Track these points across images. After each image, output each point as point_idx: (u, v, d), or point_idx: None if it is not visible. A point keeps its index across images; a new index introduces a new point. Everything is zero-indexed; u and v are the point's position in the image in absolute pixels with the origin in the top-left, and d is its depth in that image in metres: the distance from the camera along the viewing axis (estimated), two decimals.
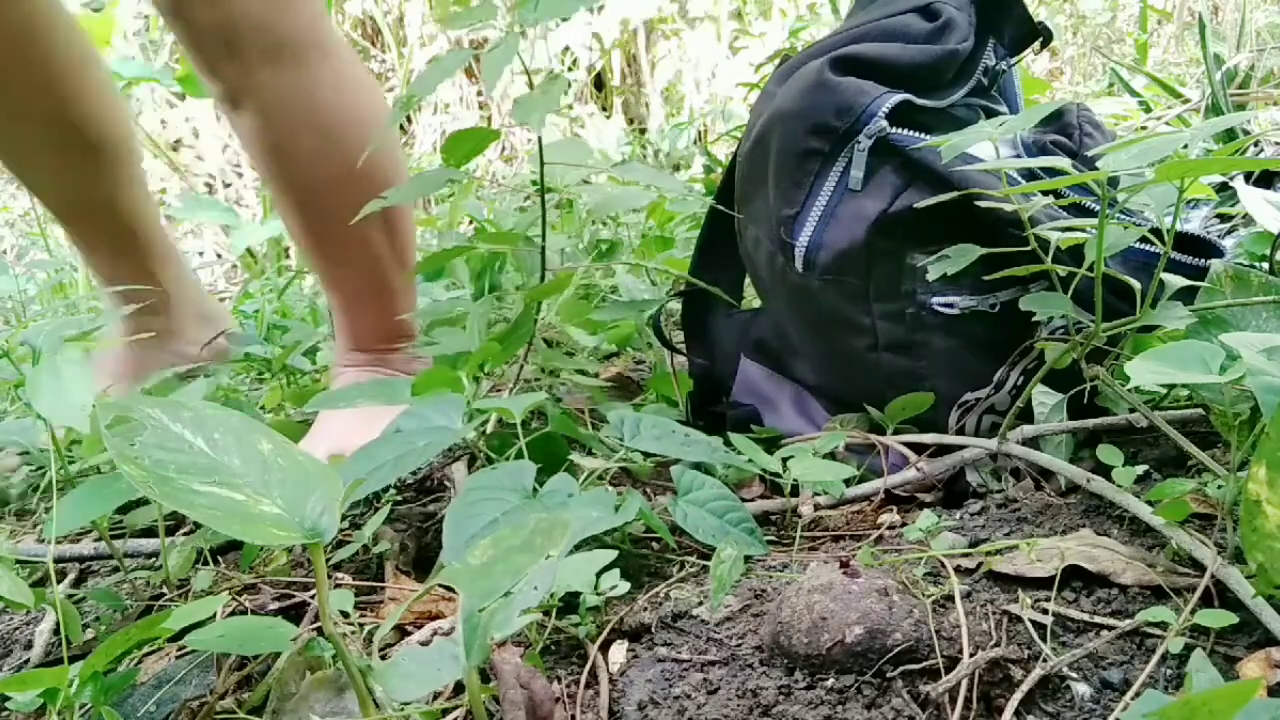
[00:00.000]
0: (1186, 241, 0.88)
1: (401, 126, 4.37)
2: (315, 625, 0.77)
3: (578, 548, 0.77)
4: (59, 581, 0.96)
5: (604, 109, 4.48)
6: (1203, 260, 0.87)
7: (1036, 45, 1.06)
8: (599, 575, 0.74)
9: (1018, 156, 0.95)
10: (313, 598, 0.82)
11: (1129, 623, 0.64)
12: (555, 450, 0.92)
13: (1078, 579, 0.70)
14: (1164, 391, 0.97)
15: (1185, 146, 0.67)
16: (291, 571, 0.90)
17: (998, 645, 0.63)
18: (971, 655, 0.61)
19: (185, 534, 1.03)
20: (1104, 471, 0.81)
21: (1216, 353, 0.67)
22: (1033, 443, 0.90)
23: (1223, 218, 1.41)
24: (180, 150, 4.04)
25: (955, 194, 0.83)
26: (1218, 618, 0.61)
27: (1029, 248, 0.77)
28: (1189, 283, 0.81)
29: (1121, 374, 0.80)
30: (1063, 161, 0.70)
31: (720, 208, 1.11)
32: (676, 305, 1.27)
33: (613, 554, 0.75)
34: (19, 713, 0.64)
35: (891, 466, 0.96)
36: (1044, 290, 0.87)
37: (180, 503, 0.50)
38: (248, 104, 1.07)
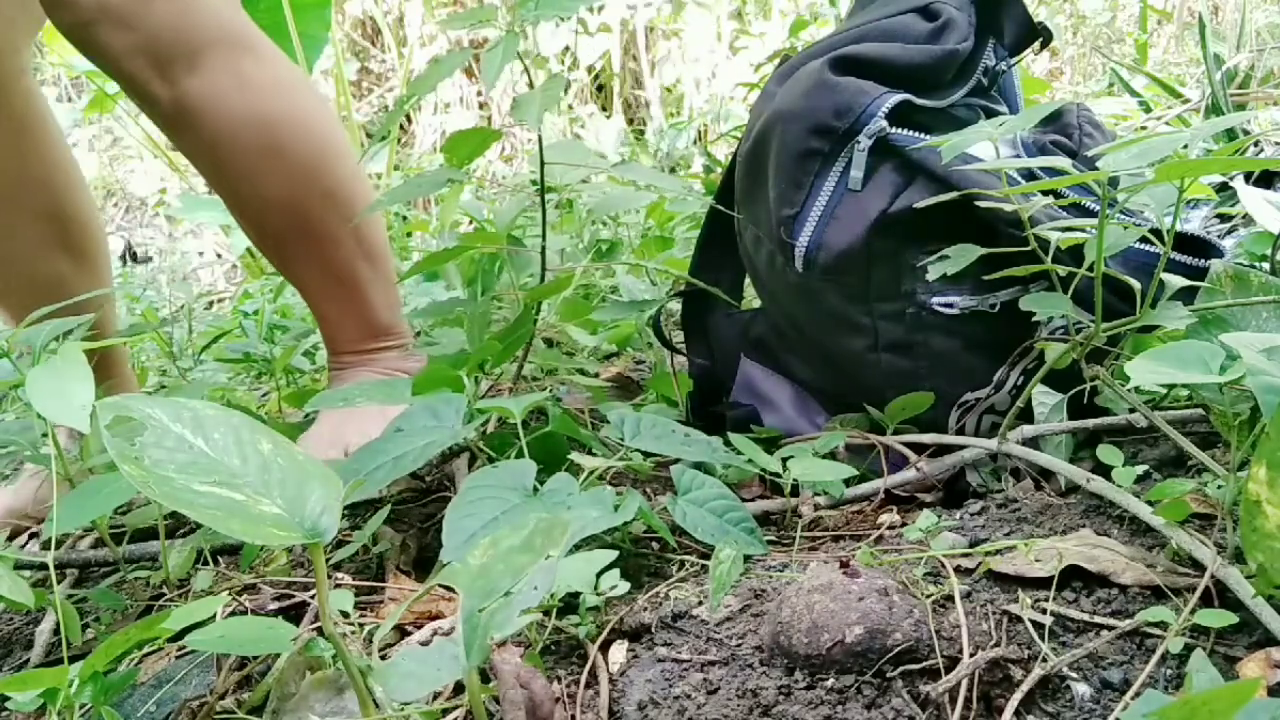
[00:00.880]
0: (1186, 242, 0.88)
1: (401, 126, 4.37)
2: (315, 625, 0.77)
3: (578, 548, 0.77)
4: (59, 582, 0.96)
5: (604, 109, 4.48)
6: (1203, 260, 0.87)
7: (1036, 45, 1.06)
8: (599, 575, 0.73)
9: (1018, 156, 0.95)
10: (313, 598, 0.82)
11: (1129, 623, 0.64)
12: (555, 450, 0.92)
13: (1078, 579, 0.70)
14: (1164, 391, 0.97)
15: (1185, 146, 0.67)
16: (291, 571, 0.90)
17: (998, 645, 0.63)
18: (971, 655, 0.61)
19: (184, 535, 1.03)
20: (1104, 471, 0.81)
21: (1216, 353, 0.67)
22: (1033, 443, 0.90)
23: (1223, 218, 1.41)
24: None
25: (955, 194, 0.83)
26: (1218, 618, 0.61)
27: (1029, 248, 0.77)
28: (1189, 283, 0.81)
29: (1121, 374, 0.80)
30: (1063, 161, 0.70)
31: (720, 208, 1.11)
32: (676, 305, 1.27)
33: (613, 554, 0.75)
34: (19, 713, 0.64)
35: (891, 466, 0.96)
36: (1044, 290, 0.87)
37: (180, 503, 0.50)
38: (185, 120, 1.07)
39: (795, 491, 0.91)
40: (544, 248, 1.02)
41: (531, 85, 0.91)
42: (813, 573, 0.67)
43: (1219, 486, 0.73)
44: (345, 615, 0.76)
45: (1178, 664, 0.61)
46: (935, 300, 0.92)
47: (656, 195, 1.69)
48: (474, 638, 0.48)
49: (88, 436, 0.94)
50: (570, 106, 4.23)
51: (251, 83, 1.08)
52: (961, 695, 0.58)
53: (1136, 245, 0.86)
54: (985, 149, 0.88)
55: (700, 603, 0.73)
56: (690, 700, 0.62)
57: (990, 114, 1.00)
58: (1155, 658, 0.61)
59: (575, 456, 0.89)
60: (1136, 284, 0.75)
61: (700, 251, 1.18)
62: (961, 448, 0.94)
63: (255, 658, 0.72)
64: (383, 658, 0.71)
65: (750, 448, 0.93)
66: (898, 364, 0.95)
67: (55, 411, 0.69)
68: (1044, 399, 0.93)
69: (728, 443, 0.93)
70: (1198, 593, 0.64)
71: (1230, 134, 1.62)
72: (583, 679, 0.66)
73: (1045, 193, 0.76)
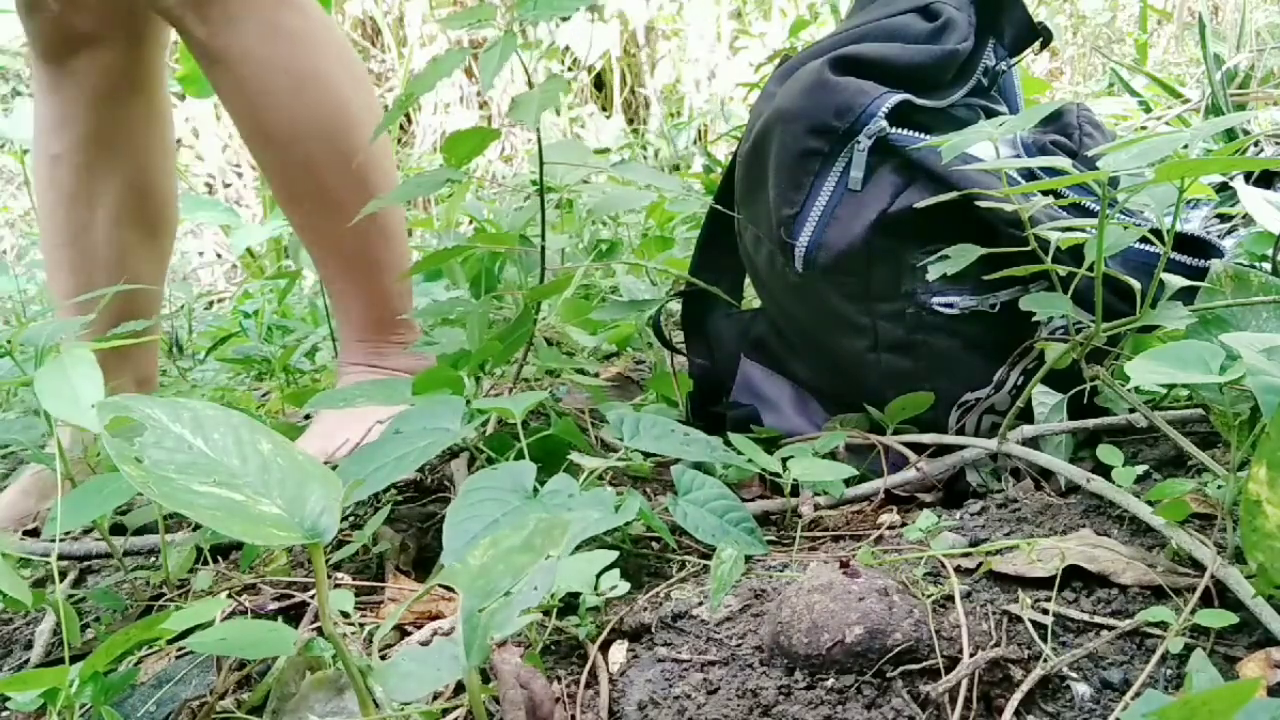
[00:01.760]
0: (1186, 242, 0.88)
1: (401, 125, 4.37)
2: (315, 625, 0.77)
3: (578, 548, 0.77)
4: (60, 579, 0.96)
5: (604, 109, 4.48)
6: (1203, 260, 0.87)
7: (1036, 45, 1.06)
8: (599, 575, 0.73)
9: (1018, 156, 0.95)
10: (313, 598, 0.82)
11: (1129, 623, 0.64)
12: (555, 450, 0.92)
13: (1078, 579, 0.70)
14: (1164, 391, 0.97)
15: (1185, 146, 0.67)
16: (291, 571, 0.89)
17: (998, 645, 0.63)
18: (971, 655, 0.61)
19: (184, 534, 1.03)
20: (1104, 471, 0.81)
21: (1216, 353, 0.67)
22: (1033, 443, 0.90)
23: (1223, 218, 1.41)
24: (180, 150, 4.04)
25: (955, 194, 0.83)
26: (1218, 618, 0.61)
27: (1029, 248, 0.77)
28: (1189, 283, 0.81)
29: (1121, 374, 0.80)
30: (1063, 161, 0.70)
31: (720, 208, 1.11)
32: (676, 305, 1.27)
33: (613, 554, 0.75)
34: (19, 713, 0.64)
35: (891, 466, 0.96)
36: (1044, 290, 0.87)
37: (180, 503, 0.50)
38: (215, 61, 1.12)
39: (795, 491, 0.91)
40: (543, 248, 1.02)
41: (531, 85, 0.91)
42: (813, 573, 0.67)
43: (1219, 486, 0.73)
44: (345, 615, 0.76)
45: (1178, 664, 0.61)
46: (935, 300, 0.92)
47: (656, 195, 1.69)
48: (474, 638, 0.48)
49: (96, 435, 0.94)
50: (570, 106, 4.23)
51: (283, 32, 1.12)
52: (961, 695, 0.58)
53: (1136, 245, 0.86)
54: (985, 149, 0.88)
55: (700, 603, 0.73)
56: (690, 700, 0.62)
57: (990, 114, 1.00)
58: (1155, 658, 0.61)
59: (575, 457, 0.89)
60: (1136, 284, 0.75)
61: (700, 251, 1.18)
62: (961, 448, 0.94)
63: (255, 658, 0.72)
64: (383, 658, 0.71)
65: (750, 448, 0.93)
66: (898, 364, 0.95)
67: (63, 410, 0.69)
68: (1044, 399, 0.93)
69: (728, 443, 0.93)
70: (1198, 593, 0.64)
71: (1230, 134, 1.62)
72: (583, 679, 0.66)
73: (1045, 193, 0.76)
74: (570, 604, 0.73)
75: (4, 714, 0.64)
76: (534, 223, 1.06)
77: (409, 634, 0.74)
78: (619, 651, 0.69)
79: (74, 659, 0.61)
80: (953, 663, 0.61)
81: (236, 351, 1.61)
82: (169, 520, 0.96)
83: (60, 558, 0.96)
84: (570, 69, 4.26)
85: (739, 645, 0.67)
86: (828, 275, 0.94)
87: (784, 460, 0.91)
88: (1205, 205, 1.41)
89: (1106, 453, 0.83)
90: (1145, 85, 2.46)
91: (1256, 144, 1.60)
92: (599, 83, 4.58)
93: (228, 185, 4.22)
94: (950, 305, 0.92)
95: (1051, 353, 0.83)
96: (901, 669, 0.60)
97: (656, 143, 3.35)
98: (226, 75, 1.12)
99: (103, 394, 0.70)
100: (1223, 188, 1.42)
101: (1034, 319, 0.90)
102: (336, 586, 0.82)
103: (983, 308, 0.92)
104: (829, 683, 0.60)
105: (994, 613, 0.67)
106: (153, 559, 0.97)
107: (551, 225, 1.17)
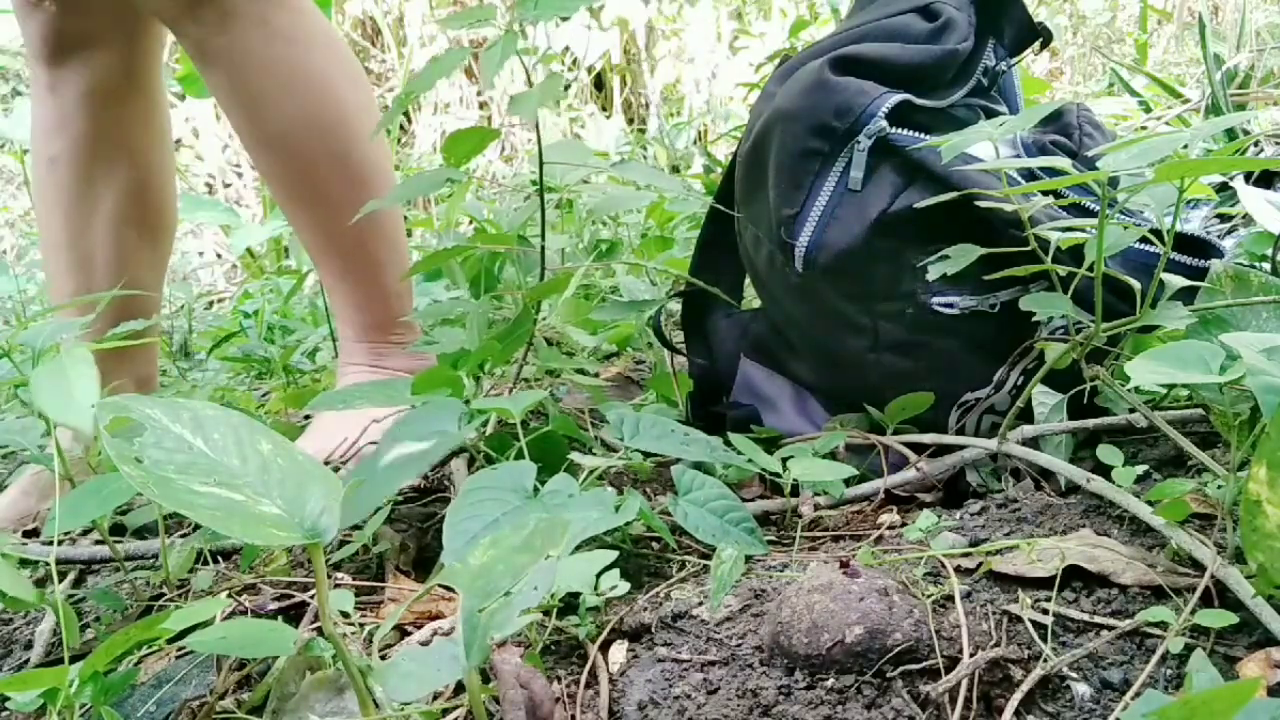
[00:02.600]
0: (1186, 242, 0.88)
1: (401, 125, 4.37)
2: (315, 625, 0.77)
3: (578, 548, 0.76)
4: (59, 581, 0.96)
5: (604, 109, 4.48)
6: (1203, 260, 0.87)
7: (1036, 45, 1.06)
8: (599, 575, 0.73)
9: (1018, 156, 0.95)
10: (313, 598, 0.82)
11: (1129, 623, 0.64)
12: (555, 450, 0.92)
13: (1078, 579, 0.70)
14: (1164, 391, 0.97)
15: (1185, 146, 0.67)
16: (291, 571, 0.89)
17: (998, 645, 0.63)
18: (971, 655, 0.61)
19: (183, 535, 1.03)
20: (1104, 471, 0.81)
21: (1216, 353, 0.67)
22: (1033, 443, 0.90)
23: (1223, 218, 1.41)
24: (180, 150, 4.04)
25: (955, 194, 0.83)
26: (1218, 618, 0.61)
27: (1029, 248, 0.77)
28: (1189, 283, 0.81)
29: (1121, 374, 0.80)
30: (1063, 161, 0.70)
31: (720, 208, 1.11)
32: (676, 305, 1.27)
33: (613, 554, 0.75)
34: (19, 713, 0.64)
35: (891, 466, 0.96)
36: (1044, 290, 0.87)
37: (180, 503, 0.50)
38: (208, 60, 1.12)
39: (795, 491, 0.91)
40: (543, 248, 1.02)
41: (530, 84, 0.91)
42: (813, 573, 0.67)
43: (1219, 486, 0.73)
44: (345, 615, 0.76)
45: (1178, 664, 0.61)
46: (935, 300, 0.92)
47: (656, 195, 1.69)
48: (474, 638, 0.48)
49: (94, 436, 0.94)
50: (570, 106, 4.23)
51: (278, 33, 1.12)
52: (961, 695, 0.58)
53: (1136, 245, 0.86)
54: (985, 149, 0.88)
55: (700, 603, 0.73)
56: (690, 700, 0.62)
57: (990, 114, 1.00)
58: (1155, 658, 0.61)
59: (575, 456, 0.89)
60: (1136, 284, 0.75)
61: (700, 252, 1.18)
62: (961, 448, 0.94)
63: (255, 658, 0.72)
64: (383, 658, 0.71)
65: (750, 448, 0.93)
66: (898, 364, 0.95)
67: (58, 411, 0.69)
68: (1044, 399, 0.93)
69: (728, 443, 0.93)
70: (1198, 593, 0.64)
71: (1230, 134, 1.62)
72: (583, 679, 0.66)
73: (1045, 193, 0.76)
74: (570, 604, 0.73)
75: (4, 714, 0.64)
76: (534, 223, 1.06)
77: (409, 634, 0.74)
78: (619, 651, 0.69)
79: (74, 659, 0.61)
80: (953, 663, 0.61)
81: (238, 350, 1.61)
82: (169, 521, 0.96)
83: (60, 561, 0.96)
84: (570, 69, 4.26)
85: (739, 645, 0.67)
86: (828, 275, 0.94)
87: (784, 460, 0.91)
88: (1205, 205, 1.41)
89: (1106, 453, 0.83)
90: (1145, 85, 2.47)
91: (1256, 144, 1.60)
92: (599, 83, 4.58)
93: (228, 185, 4.22)
94: (950, 305, 0.92)
95: (1051, 353, 0.83)
96: (901, 669, 0.60)
97: (655, 148, 3.36)
98: (222, 76, 1.12)
99: (99, 395, 0.70)
100: (1223, 188, 1.42)
101: (1034, 319, 0.90)
102: (336, 586, 0.82)
103: (983, 308, 0.92)
104: (829, 683, 0.60)
105: (994, 613, 0.67)
106: (153, 559, 0.97)
107: (551, 225, 1.17)
